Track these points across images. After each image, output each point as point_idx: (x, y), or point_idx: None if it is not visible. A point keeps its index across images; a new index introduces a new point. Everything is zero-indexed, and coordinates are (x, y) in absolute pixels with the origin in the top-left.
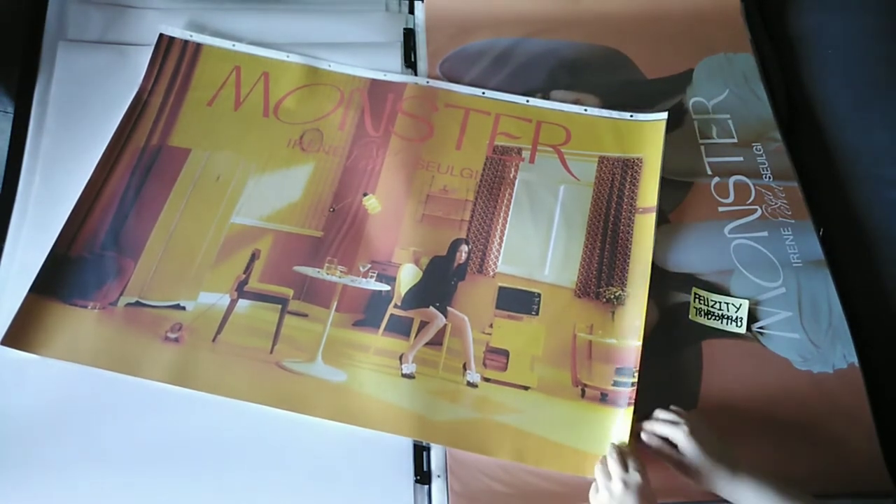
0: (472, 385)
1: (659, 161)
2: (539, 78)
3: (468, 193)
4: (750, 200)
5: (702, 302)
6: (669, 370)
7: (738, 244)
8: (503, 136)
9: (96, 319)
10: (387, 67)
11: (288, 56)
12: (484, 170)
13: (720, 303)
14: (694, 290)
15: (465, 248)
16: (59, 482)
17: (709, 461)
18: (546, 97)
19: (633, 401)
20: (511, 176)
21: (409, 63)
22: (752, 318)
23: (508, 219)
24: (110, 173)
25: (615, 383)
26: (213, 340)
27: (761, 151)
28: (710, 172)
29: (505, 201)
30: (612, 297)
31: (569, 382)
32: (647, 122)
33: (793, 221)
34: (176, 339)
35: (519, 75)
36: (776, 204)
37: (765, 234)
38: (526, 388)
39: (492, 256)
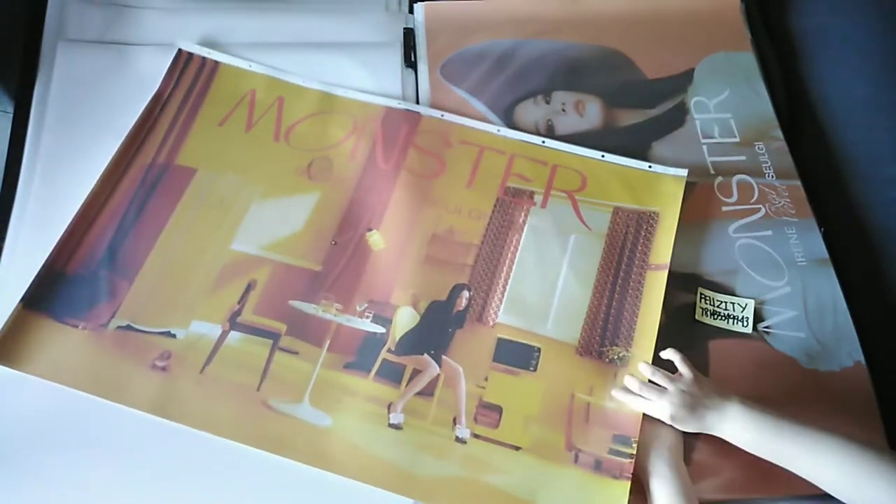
0: (460, 441)
1: (676, 217)
2: (540, 80)
3: (475, 237)
4: (753, 199)
5: (707, 302)
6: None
7: (742, 243)
8: (516, 177)
9: (85, 340)
10: (386, 67)
11: (304, 82)
12: (493, 212)
13: (726, 302)
14: (699, 289)
15: (466, 294)
16: (47, 494)
17: (701, 395)
18: (548, 98)
19: (630, 474)
20: (520, 221)
21: (409, 63)
22: (758, 317)
23: (514, 266)
24: (114, 189)
25: (611, 451)
26: (201, 372)
27: (763, 150)
28: (713, 172)
29: (511, 248)
30: (616, 357)
31: (562, 446)
32: (666, 175)
33: (796, 220)
34: (163, 368)
35: (520, 77)
36: (780, 203)
37: (769, 233)
38: (517, 448)
39: (493, 305)
